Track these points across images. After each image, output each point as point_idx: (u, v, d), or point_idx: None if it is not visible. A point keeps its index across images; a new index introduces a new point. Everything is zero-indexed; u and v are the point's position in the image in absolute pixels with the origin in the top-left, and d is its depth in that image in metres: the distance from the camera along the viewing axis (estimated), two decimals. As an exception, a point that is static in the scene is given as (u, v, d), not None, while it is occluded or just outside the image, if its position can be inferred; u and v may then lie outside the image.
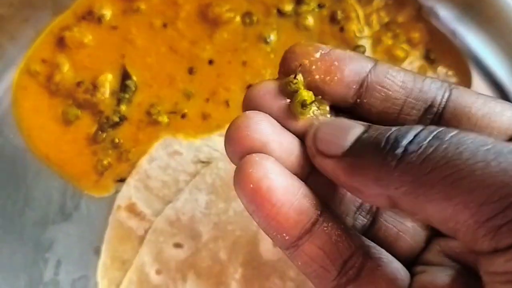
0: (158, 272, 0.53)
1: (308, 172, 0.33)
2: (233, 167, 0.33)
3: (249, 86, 0.57)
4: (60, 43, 0.59)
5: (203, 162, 0.56)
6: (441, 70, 0.59)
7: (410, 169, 0.27)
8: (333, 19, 0.59)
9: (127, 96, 0.58)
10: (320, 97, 0.34)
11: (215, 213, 0.54)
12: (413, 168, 0.27)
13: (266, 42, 0.59)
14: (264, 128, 0.32)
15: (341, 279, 0.32)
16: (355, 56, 0.34)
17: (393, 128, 0.29)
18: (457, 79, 0.58)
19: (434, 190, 0.26)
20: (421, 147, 0.27)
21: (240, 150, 0.32)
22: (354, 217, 0.35)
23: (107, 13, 0.59)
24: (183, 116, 0.58)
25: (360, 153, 0.30)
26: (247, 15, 0.59)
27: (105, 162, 0.57)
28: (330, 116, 0.34)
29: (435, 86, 0.33)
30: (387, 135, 0.29)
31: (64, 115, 0.58)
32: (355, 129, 0.31)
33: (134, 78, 0.58)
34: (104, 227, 0.55)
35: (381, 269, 0.32)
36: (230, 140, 0.32)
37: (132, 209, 0.55)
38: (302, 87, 0.33)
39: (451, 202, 0.26)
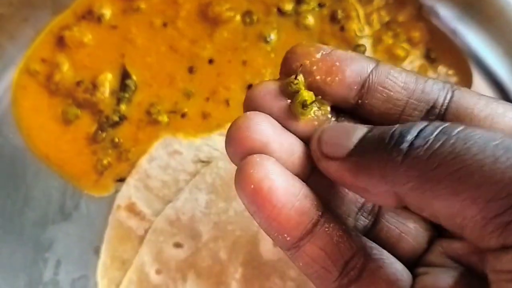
0: (158, 272, 0.53)
1: (309, 172, 0.33)
2: (233, 166, 0.33)
3: (249, 86, 0.57)
4: (60, 42, 0.59)
5: (203, 161, 0.56)
6: (442, 69, 0.59)
7: (417, 164, 0.27)
8: (333, 18, 0.59)
9: (127, 95, 0.58)
10: (320, 97, 0.34)
11: (215, 212, 0.54)
12: (420, 163, 0.27)
13: (266, 41, 0.59)
14: (265, 129, 0.32)
15: (343, 280, 0.32)
16: (357, 56, 0.34)
17: (397, 125, 0.29)
18: (458, 78, 0.58)
19: (441, 185, 0.26)
20: (427, 141, 0.27)
21: (240, 151, 0.32)
22: (356, 217, 0.35)
23: (107, 12, 0.59)
24: (183, 115, 0.57)
25: (364, 151, 0.30)
26: (247, 14, 0.59)
27: (105, 161, 0.57)
28: (331, 116, 0.34)
29: (437, 87, 0.33)
30: (392, 131, 0.29)
31: (64, 115, 0.58)
32: (359, 130, 0.31)
33: (134, 77, 0.58)
34: (104, 226, 0.55)
35: (382, 270, 0.32)
36: (230, 140, 0.32)
37: (132, 208, 0.55)
38: (303, 88, 0.33)
39: (459, 197, 0.26)
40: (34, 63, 0.59)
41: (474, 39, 0.59)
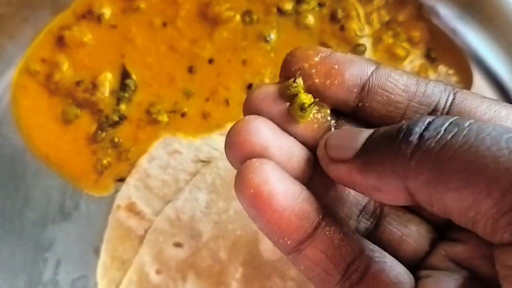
0: (158, 271, 0.53)
1: (310, 175, 0.33)
2: (233, 166, 0.33)
3: (249, 85, 0.57)
4: (60, 42, 0.59)
5: (203, 161, 0.56)
6: (442, 69, 0.58)
7: (428, 156, 0.26)
8: (333, 18, 0.59)
9: (126, 95, 0.57)
10: (317, 99, 0.33)
11: (215, 212, 0.54)
12: (432, 155, 0.26)
13: (266, 41, 0.59)
14: (264, 133, 0.32)
15: (345, 283, 0.32)
16: (356, 59, 0.34)
17: (403, 121, 0.29)
18: (458, 78, 0.58)
19: (455, 177, 0.25)
20: (438, 133, 0.26)
21: (240, 155, 0.32)
22: (358, 220, 0.35)
23: (107, 12, 0.59)
24: (183, 115, 0.57)
25: (372, 149, 0.29)
26: (247, 13, 0.59)
27: (104, 161, 0.57)
28: (331, 119, 0.34)
29: (439, 90, 0.33)
30: (399, 126, 0.28)
31: (64, 115, 0.57)
32: (364, 132, 0.31)
33: (134, 77, 0.58)
34: (103, 226, 0.55)
35: (384, 273, 0.32)
36: (230, 144, 0.32)
37: (132, 208, 0.55)
38: (302, 91, 0.33)
39: (473, 190, 0.25)
40: (34, 63, 0.59)
41: (474, 39, 0.58)
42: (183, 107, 0.57)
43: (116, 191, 0.56)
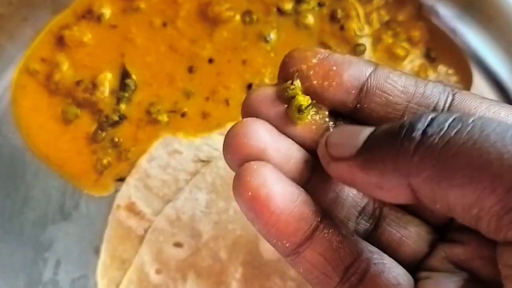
0: (158, 271, 0.53)
1: (308, 178, 0.33)
2: (233, 166, 0.33)
3: (249, 85, 0.57)
4: (60, 42, 0.59)
5: (203, 161, 0.56)
6: (442, 68, 0.58)
7: (432, 153, 0.26)
8: (333, 17, 0.59)
9: (126, 95, 0.57)
10: (315, 101, 0.33)
11: (215, 212, 0.54)
12: (435, 151, 0.26)
13: (266, 41, 0.59)
14: (262, 135, 0.32)
15: (344, 285, 0.32)
16: (355, 60, 0.34)
17: (405, 118, 0.29)
18: (458, 78, 0.58)
19: (458, 174, 0.25)
20: (441, 129, 0.26)
21: (238, 158, 0.32)
22: (357, 222, 0.35)
23: (107, 12, 0.59)
24: (183, 115, 0.57)
25: (374, 146, 0.29)
26: (247, 13, 0.59)
27: (104, 161, 0.57)
28: (329, 121, 0.34)
29: (437, 91, 0.33)
30: (401, 122, 0.28)
31: (64, 114, 0.58)
32: (366, 129, 0.30)
33: (134, 77, 0.58)
34: (103, 226, 0.55)
35: (383, 274, 0.32)
36: (228, 147, 0.32)
37: (131, 208, 0.55)
38: (300, 93, 0.33)
39: (477, 186, 0.25)
40: (34, 63, 0.59)
41: (474, 39, 0.58)
42: (183, 107, 0.57)
43: (116, 191, 0.56)
